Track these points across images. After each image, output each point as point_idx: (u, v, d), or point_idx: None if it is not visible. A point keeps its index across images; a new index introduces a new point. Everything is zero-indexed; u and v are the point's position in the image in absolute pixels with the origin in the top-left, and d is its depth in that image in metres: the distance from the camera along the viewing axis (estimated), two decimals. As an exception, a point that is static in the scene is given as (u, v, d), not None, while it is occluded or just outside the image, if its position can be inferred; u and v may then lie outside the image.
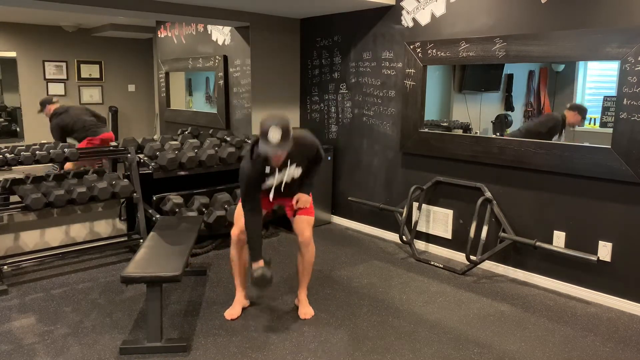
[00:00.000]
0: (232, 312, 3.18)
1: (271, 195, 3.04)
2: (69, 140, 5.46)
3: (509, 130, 5.26)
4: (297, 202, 3.13)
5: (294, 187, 3.11)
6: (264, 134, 2.68)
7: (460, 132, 4.77)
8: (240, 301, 3.25)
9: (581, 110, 4.53)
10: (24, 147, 4.38)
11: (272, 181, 2.98)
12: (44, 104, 5.51)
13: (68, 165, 5.01)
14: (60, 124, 5.39)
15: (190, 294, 3.54)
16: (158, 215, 4.12)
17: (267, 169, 2.91)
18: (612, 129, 3.31)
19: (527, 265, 3.83)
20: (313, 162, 3.13)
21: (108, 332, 3.00)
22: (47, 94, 8.04)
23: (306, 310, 3.22)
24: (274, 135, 2.66)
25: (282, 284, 3.67)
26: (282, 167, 2.95)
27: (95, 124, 5.57)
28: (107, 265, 4.07)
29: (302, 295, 3.27)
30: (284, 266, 4.06)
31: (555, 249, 3.57)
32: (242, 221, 3.01)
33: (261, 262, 2.93)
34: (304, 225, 3.13)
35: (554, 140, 4.31)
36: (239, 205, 3.10)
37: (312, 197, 3.23)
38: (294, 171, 3.01)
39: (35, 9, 5.02)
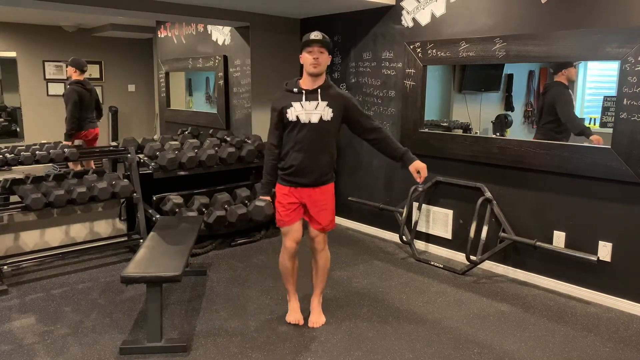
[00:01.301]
0: (297, 317, 3.11)
1: (297, 127, 2.86)
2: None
3: (508, 132, 5.26)
4: (417, 172, 2.97)
5: (322, 138, 2.91)
6: (306, 37, 2.79)
7: (460, 132, 4.77)
8: (298, 306, 3.17)
9: (565, 65, 4.23)
10: (24, 147, 4.39)
11: (299, 106, 2.83)
12: (73, 64, 5.38)
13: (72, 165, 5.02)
14: (80, 94, 5.30)
15: (190, 294, 3.54)
16: (158, 215, 4.13)
17: (296, 89, 2.86)
18: (612, 129, 3.31)
19: (527, 265, 3.83)
20: (355, 110, 2.98)
21: (108, 332, 3.00)
22: (47, 94, 8.04)
23: (316, 319, 3.11)
24: (315, 35, 2.77)
25: (282, 285, 3.67)
26: (312, 95, 2.84)
27: (93, 119, 5.58)
28: (107, 265, 4.08)
29: (314, 302, 3.17)
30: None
31: (555, 249, 3.57)
32: (297, 233, 2.98)
33: (268, 198, 3.04)
34: (317, 232, 3.05)
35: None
36: (284, 228, 3.01)
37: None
38: (324, 109, 2.85)
39: (35, 9, 5.02)
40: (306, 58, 2.80)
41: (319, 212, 3.00)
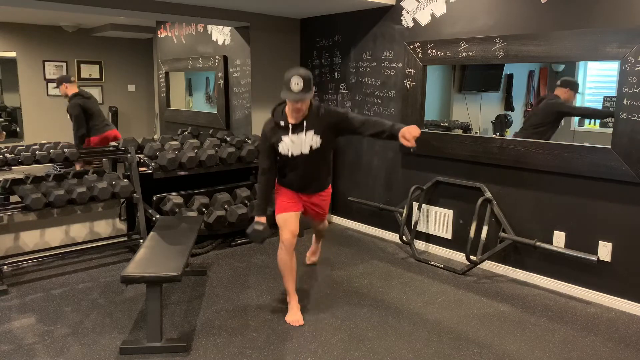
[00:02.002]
0: (296, 317, 3.11)
1: (291, 158, 3.04)
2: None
3: (509, 132, 5.26)
4: (405, 138, 2.91)
5: (315, 162, 3.07)
6: (286, 82, 2.83)
7: (460, 132, 4.77)
8: (297, 306, 3.18)
9: (572, 85, 4.32)
10: (24, 147, 4.38)
11: (288, 141, 3.00)
12: (61, 81, 5.39)
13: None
14: (83, 106, 5.28)
15: (190, 294, 3.54)
16: (158, 215, 4.13)
17: (283, 123, 2.99)
18: (612, 129, 3.31)
19: (527, 265, 3.83)
20: (344, 120, 3.06)
21: (108, 332, 3.00)
22: (47, 94, 8.04)
23: (313, 257, 4.01)
24: (296, 82, 2.80)
25: (282, 285, 3.67)
26: (299, 128, 2.98)
27: (108, 122, 5.61)
28: (107, 265, 4.08)
29: (315, 245, 4.01)
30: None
31: (555, 249, 3.57)
32: (293, 225, 3.09)
33: (264, 219, 3.12)
34: (319, 224, 3.66)
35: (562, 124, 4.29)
36: (281, 215, 3.13)
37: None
38: (312, 138, 3.00)
39: (35, 9, 5.02)
40: (288, 102, 2.96)
41: (318, 212, 3.38)
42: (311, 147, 3.02)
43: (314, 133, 3.01)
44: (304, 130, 2.99)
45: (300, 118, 2.98)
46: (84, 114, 5.31)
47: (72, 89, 5.35)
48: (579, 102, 5.44)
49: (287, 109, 3.01)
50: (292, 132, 2.99)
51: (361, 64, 4.88)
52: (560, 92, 4.30)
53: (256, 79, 5.22)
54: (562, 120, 4.36)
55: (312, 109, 3.02)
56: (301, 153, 3.03)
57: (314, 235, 3.98)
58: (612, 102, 4.77)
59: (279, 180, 3.22)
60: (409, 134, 2.90)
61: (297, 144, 3.01)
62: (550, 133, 4.26)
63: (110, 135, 5.50)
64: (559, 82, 4.37)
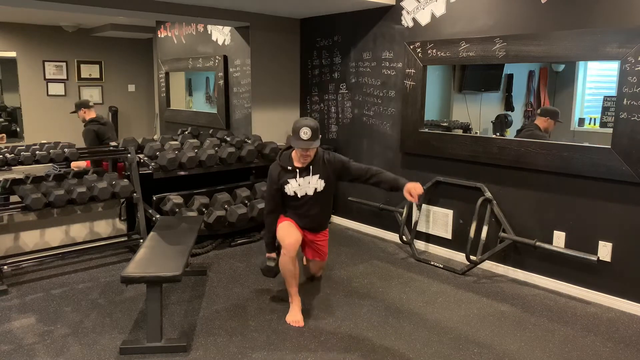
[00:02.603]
0: (297, 318, 3.13)
1: (296, 199, 3.26)
2: None
3: (509, 132, 5.26)
4: (409, 194, 3.11)
5: (319, 203, 3.31)
6: (296, 131, 3.06)
7: (460, 132, 4.77)
8: (299, 307, 3.20)
9: (552, 114, 4.35)
10: (24, 147, 4.38)
11: (295, 184, 3.23)
12: (79, 106, 5.34)
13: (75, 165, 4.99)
14: (97, 132, 5.23)
15: (190, 294, 3.54)
16: (158, 215, 4.13)
17: (290, 167, 3.23)
18: (612, 129, 3.31)
19: (527, 265, 3.83)
20: (347, 169, 3.30)
21: (108, 332, 3.00)
22: (47, 94, 8.04)
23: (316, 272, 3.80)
24: (305, 132, 3.04)
25: (282, 285, 3.67)
26: (305, 172, 3.22)
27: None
28: (107, 265, 4.08)
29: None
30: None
31: (555, 249, 3.57)
32: (295, 232, 3.23)
33: (274, 255, 3.36)
34: (317, 267, 3.68)
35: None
36: (283, 223, 3.31)
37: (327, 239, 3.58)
38: (317, 182, 3.24)
39: (35, 9, 5.02)
40: (296, 150, 3.19)
41: (318, 249, 3.52)
42: (315, 189, 3.26)
43: (319, 177, 3.24)
44: (310, 175, 3.23)
45: (307, 163, 3.21)
46: (97, 140, 5.26)
47: (90, 114, 5.32)
48: (578, 103, 5.46)
49: (294, 154, 3.25)
50: (299, 176, 3.22)
51: (361, 64, 4.88)
52: (540, 122, 4.31)
53: (256, 79, 5.22)
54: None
55: (317, 154, 3.25)
56: (306, 194, 3.26)
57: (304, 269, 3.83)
58: (612, 102, 4.77)
59: (283, 215, 3.40)
60: (414, 191, 3.11)
61: (303, 186, 3.24)
62: None
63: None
64: (538, 111, 4.43)
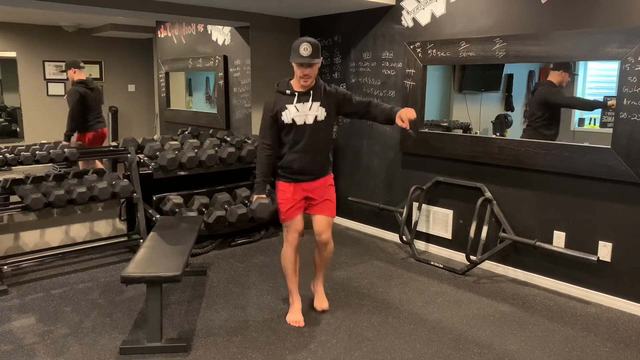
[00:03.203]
0: (297, 318, 3.10)
1: (294, 128, 2.91)
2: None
3: (509, 132, 5.26)
4: (401, 119, 2.88)
5: (318, 136, 2.96)
6: (295, 48, 2.84)
7: (460, 132, 4.77)
8: (299, 306, 3.17)
9: (565, 67, 4.19)
10: (24, 147, 4.39)
11: (293, 109, 2.90)
12: (69, 65, 5.27)
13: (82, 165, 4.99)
14: (83, 95, 5.13)
15: (190, 294, 3.54)
16: (158, 215, 4.13)
17: (289, 91, 2.93)
18: (612, 129, 3.31)
19: (527, 265, 3.83)
20: (348, 100, 3.04)
21: (108, 332, 3.00)
22: (47, 94, 8.04)
23: (322, 303, 3.27)
24: (305, 48, 2.82)
25: (282, 285, 3.67)
26: (305, 97, 2.92)
27: (102, 118, 5.52)
28: (107, 265, 4.08)
29: (319, 286, 3.31)
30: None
31: (555, 249, 3.57)
32: (298, 225, 3.05)
33: (264, 196, 2.99)
34: (324, 226, 3.10)
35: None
36: (286, 206, 3.03)
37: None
38: (317, 109, 2.93)
39: (35, 9, 5.02)
40: (295, 70, 2.90)
41: (322, 203, 3.08)
42: (315, 117, 2.93)
43: (320, 105, 2.94)
44: (310, 100, 2.92)
45: (307, 87, 2.92)
46: (81, 103, 5.15)
47: (79, 75, 5.24)
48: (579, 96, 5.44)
49: (294, 81, 2.97)
50: (298, 101, 2.91)
51: (361, 64, 4.88)
52: (554, 76, 4.21)
53: (256, 79, 5.22)
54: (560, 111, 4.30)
55: (318, 82, 2.98)
56: (304, 123, 2.92)
57: (315, 261, 3.28)
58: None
59: (278, 165, 3.03)
60: (405, 115, 2.88)
61: (301, 112, 2.91)
62: (552, 126, 4.20)
63: (104, 132, 5.47)
64: (551, 66, 4.28)
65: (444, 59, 4.10)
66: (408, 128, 2.93)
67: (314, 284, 3.34)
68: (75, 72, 5.26)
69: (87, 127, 5.30)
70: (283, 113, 2.91)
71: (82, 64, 5.34)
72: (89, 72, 8.37)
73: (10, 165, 3.88)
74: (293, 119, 2.90)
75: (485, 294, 3.59)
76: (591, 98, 4.89)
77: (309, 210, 3.11)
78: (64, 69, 5.37)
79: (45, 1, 3.85)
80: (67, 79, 5.37)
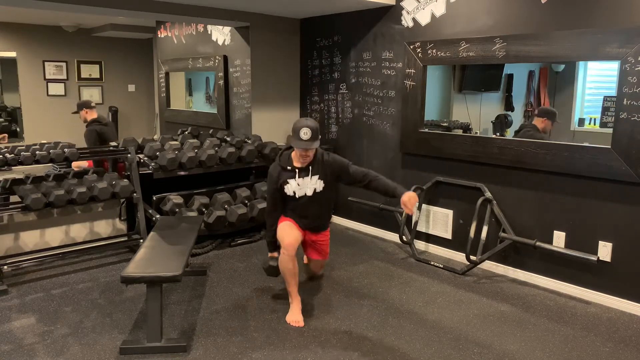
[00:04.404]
0: (297, 318, 3.13)
1: (296, 199, 3.26)
2: None
3: (509, 132, 5.26)
4: (405, 205, 3.12)
5: (318, 204, 3.31)
6: (296, 131, 3.07)
7: (460, 132, 4.77)
8: (299, 307, 3.21)
9: (550, 114, 4.40)
10: (24, 147, 4.38)
11: (294, 184, 3.22)
12: (81, 106, 5.34)
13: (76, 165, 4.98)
14: (100, 133, 5.23)
15: (190, 294, 3.54)
16: (158, 215, 4.13)
17: (290, 167, 3.23)
18: (612, 129, 3.31)
19: (527, 265, 3.83)
20: (345, 171, 3.29)
21: (108, 332, 3.00)
22: (47, 94, 8.04)
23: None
24: (305, 133, 3.05)
25: (282, 285, 3.67)
26: (304, 172, 3.22)
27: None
28: (107, 265, 4.08)
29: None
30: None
31: (555, 249, 3.57)
32: (294, 232, 3.25)
33: (276, 254, 3.36)
34: (318, 267, 3.70)
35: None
36: (283, 223, 3.32)
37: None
38: (316, 182, 3.24)
39: (35, 9, 5.02)
40: (295, 150, 3.19)
41: (319, 248, 3.54)
42: (315, 190, 3.26)
43: (318, 178, 3.25)
44: (309, 175, 3.22)
45: (306, 163, 3.21)
46: (99, 141, 5.25)
47: (91, 115, 5.31)
48: (578, 103, 5.45)
49: (294, 155, 3.24)
50: (298, 176, 3.22)
51: (361, 64, 4.88)
52: (538, 122, 4.37)
53: (256, 79, 5.22)
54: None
55: (317, 155, 3.24)
56: (305, 195, 3.26)
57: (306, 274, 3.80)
58: (612, 102, 4.77)
59: (284, 215, 3.39)
60: (410, 203, 3.11)
61: (302, 186, 3.24)
62: None
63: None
64: (536, 112, 4.48)
65: (444, 59, 4.10)
66: (411, 213, 3.29)
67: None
68: (87, 112, 5.32)
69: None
70: (285, 186, 3.25)
71: (93, 104, 5.42)
72: (89, 72, 8.38)
73: (10, 165, 3.87)
74: (294, 192, 3.25)
75: (485, 294, 3.59)
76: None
77: (306, 252, 3.60)
78: (76, 110, 5.43)
79: (46, 1, 3.85)
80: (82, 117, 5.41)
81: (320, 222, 3.45)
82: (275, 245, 3.38)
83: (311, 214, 3.34)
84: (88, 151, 4.48)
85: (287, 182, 3.23)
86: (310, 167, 3.22)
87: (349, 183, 3.39)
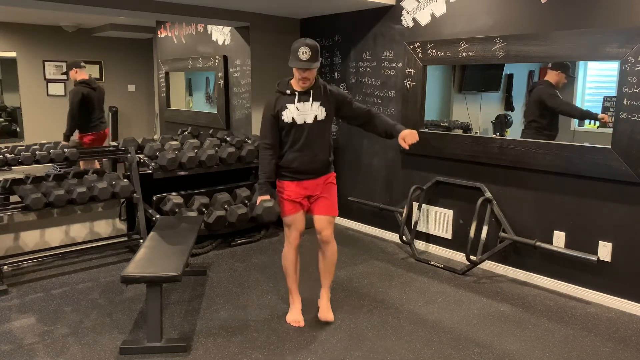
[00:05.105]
0: (297, 318, 3.10)
1: (294, 127, 2.93)
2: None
3: (509, 132, 5.26)
4: (404, 140, 2.95)
5: (319, 135, 2.98)
6: (294, 52, 2.84)
7: (460, 132, 4.77)
8: (299, 306, 3.17)
9: (564, 67, 4.23)
10: (24, 147, 4.38)
11: (294, 108, 2.91)
12: (71, 66, 5.27)
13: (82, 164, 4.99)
14: (85, 95, 5.12)
15: (190, 294, 3.54)
16: (158, 215, 4.13)
17: (289, 91, 2.94)
18: (612, 129, 3.31)
19: (527, 265, 3.83)
20: (348, 103, 3.06)
21: (108, 332, 3.00)
22: (47, 94, 8.04)
23: (326, 314, 3.15)
24: (304, 52, 2.81)
25: (282, 285, 3.67)
26: (305, 96, 2.93)
27: (104, 119, 5.52)
28: (107, 265, 4.08)
29: (324, 297, 3.21)
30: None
31: (555, 249, 3.57)
32: (300, 224, 3.04)
33: (268, 196, 2.96)
34: (324, 223, 3.07)
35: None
36: (287, 217, 3.04)
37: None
38: (317, 109, 2.94)
39: (35, 9, 5.02)
40: (295, 72, 2.91)
41: (324, 201, 3.07)
42: (315, 117, 2.94)
43: (320, 105, 2.95)
44: (310, 100, 2.93)
45: (307, 87, 2.94)
46: (84, 104, 5.14)
47: (81, 75, 5.23)
48: (578, 101, 5.45)
49: (294, 81, 2.97)
50: (298, 100, 2.92)
51: (361, 64, 4.88)
52: (551, 76, 4.25)
53: (256, 79, 5.22)
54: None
55: (318, 82, 2.98)
56: (305, 122, 2.93)
57: (320, 268, 3.21)
58: (612, 102, 4.78)
59: (279, 165, 3.03)
60: (409, 138, 2.96)
61: (302, 112, 2.92)
62: (550, 128, 4.24)
63: (106, 133, 5.48)
64: (550, 65, 4.31)
65: (444, 59, 4.10)
66: (407, 148, 3.01)
67: (320, 294, 3.24)
68: (77, 72, 5.25)
69: (90, 127, 5.30)
70: (284, 112, 2.92)
71: (83, 64, 5.33)
72: (89, 72, 8.37)
73: (10, 165, 3.88)
74: (293, 118, 2.92)
75: (485, 294, 3.59)
76: (585, 108, 4.93)
77: (310, 210, 3.09)
78: (65, 69, 5.36)
79: (46, 1, 3.85)
80: (68, 79, 5.33)
81: (320, 162, 3.03)
82: (268, 187, 2.98)
83: (313, 149, 2.97)
84: (88, 151, 4.48)
85: (286, 107, 2.92)
86: (312, 92, 2.94)
87: (349, 117, 3.12)
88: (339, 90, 3.10)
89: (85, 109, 5.22)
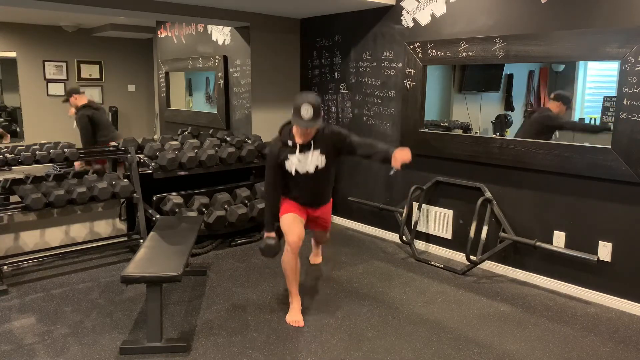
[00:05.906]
0: (297, 318, 3.13)
1: (297, 176, 3.12)
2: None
3: (509, 132, 5.26)
4: (396, 159, 3.03)
5: (319, 180, 3.19)
6: (297, 109, 2.94)
7: (460, 132, 4.77)
8: (299, 307, 3.20)
9: (564, 99, 4.34)
10: (24, 147, 4.38)
11: (295, 160, 3.09)
12: (70, 93, 5.40)
13: (77, 165, 5.01)
14: (91, 117, 5.27)
15: (190, 294, 3.54)
16: (158, 215, 4.13)
17: (291, 142, 3.09)
18: (612, 129, 3.31)
19: (527, 265, 3.83)
20: (347, 143, 3.15)
21: (108, 332, 3.00)
22: (47, 94, 8.04)
23: (316, 259, 4.13)
24: (306, 110, 2.91)
25: (282, 285, 3.67)
26: (306, 148, 3.08)
27: (116, 135, 5.61)
28: (107, 265, 4.08)
29: (318, 248, 4.13)
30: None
31: (555, 249, 3.57)
32: (298, 229, 3.15)
33: (273, 234, 3.15)
34: (322, 237, 3.81)
35: (554, 139, 4.32)
36: (286, 216, 3.20)
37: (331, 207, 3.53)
38: (317, 158, 3.11)
39: (35, 9, 5.02)
40: (296, 127, 3.05)
41: (322, 222, 3.49)
42: (316, 166, 3.13)
43: (320, 153, 3.12)
44: (311, 150, 3.10)
45: (308, 139, 3.09)
46: (91, 126, 5.31)
47: (81, 100, 5.36)
48: (578, 103, 5.45)
49: (295, 130, 3.11)
50: (300, 152, 3.09)
51: (361, 64, 4.88)
52: (553, 106, 4.35)
53: (256, 79, 5.22)
54: (557, 133, 4.40)
55: (318, 129, 3.12)
56: (307, 172, 3.13)
57: (313, 242, 4.12)
58: (612, 102, 4.77)
59: (284, 194, 3.27)
60: (400, 156, 3.01)
61: (303, 163, 3.11)
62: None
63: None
64: (551, 96, 4.43)
65: (444, 59, 4.10)
66: (398, 168, 3.08)
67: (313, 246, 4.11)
68: (76, 98, 5.39)
69: (101, 143, 5.39)
70: (286, 162, 3.12)
71: (81, 89, 5.49)
72: (89, 72, 8.38)
73: (10, 165, 3.88)
74: (295, 168, 3.12)
75: (485, 294, 3.59)
76: (589, 122, 5.01)
77: (309, 226, 3.47)
78: (65, 98, 5.49)
79: (46, 1, 3.85)
80: (69, 102, 5.46)
81: (321, 198, 3.33)
82: (273, 225, 3.20)
83: (312, 191, 3.23)
84: (88, 151, 4.48)
85: (288, 158, 3.10)
86: (312, 142, 3.09)
87: (349, 153, 3.23)
88: (335, 131, 3.20)
89: (93, 131, 5.37)
